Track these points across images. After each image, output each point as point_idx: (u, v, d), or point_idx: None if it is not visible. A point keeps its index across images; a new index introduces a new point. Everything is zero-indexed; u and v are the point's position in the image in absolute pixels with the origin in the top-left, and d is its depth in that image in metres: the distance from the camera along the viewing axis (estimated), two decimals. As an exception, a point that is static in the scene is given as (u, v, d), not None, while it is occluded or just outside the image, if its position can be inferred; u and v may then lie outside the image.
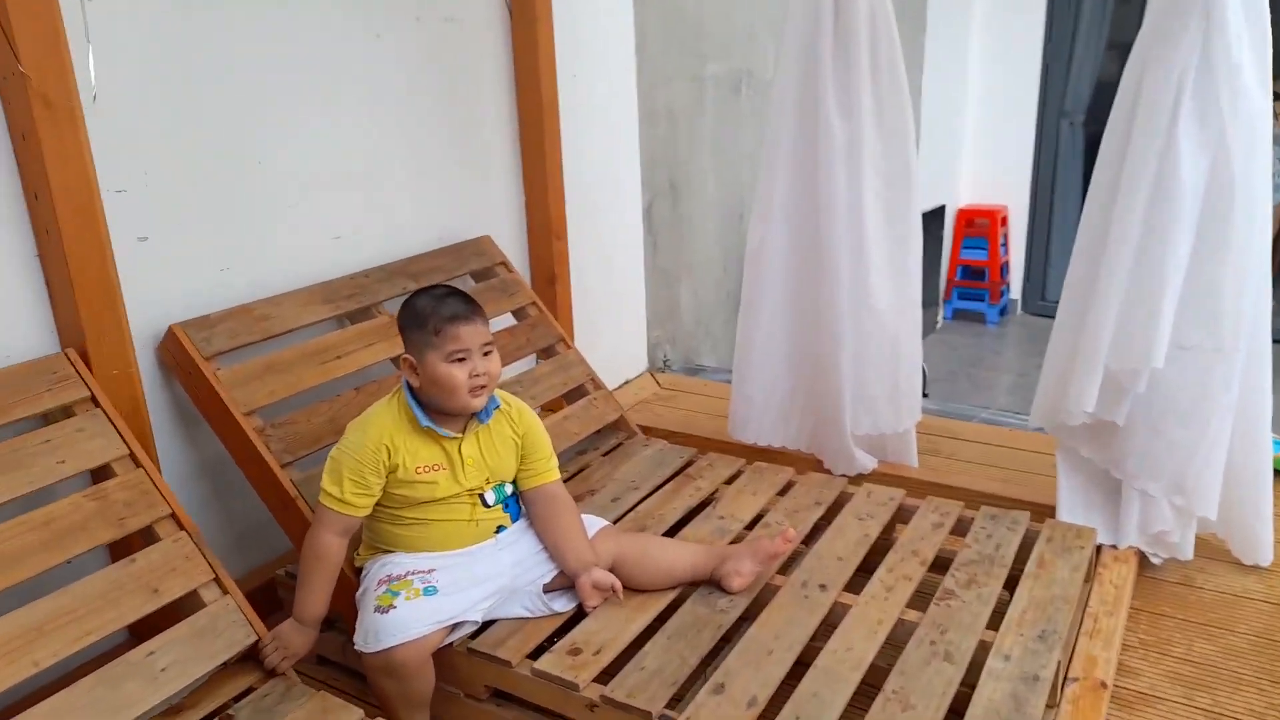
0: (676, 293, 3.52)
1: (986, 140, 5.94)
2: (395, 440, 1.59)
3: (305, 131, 2.04)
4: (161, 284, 1.80)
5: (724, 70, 3.64)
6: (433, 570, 1.58)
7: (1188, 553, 1.97)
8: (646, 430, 2.54)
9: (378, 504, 1.61)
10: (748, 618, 1.64)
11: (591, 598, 1.63)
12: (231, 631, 1.48)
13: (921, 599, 1.68)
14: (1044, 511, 2.06)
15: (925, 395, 4.63)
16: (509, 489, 1.72)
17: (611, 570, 1.67)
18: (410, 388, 1.61)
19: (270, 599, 1.88)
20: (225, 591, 1.52)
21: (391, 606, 1.49)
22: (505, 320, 2.43)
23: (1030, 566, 1.75)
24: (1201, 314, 1.80)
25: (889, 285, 2.20)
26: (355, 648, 1.52)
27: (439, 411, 1.61)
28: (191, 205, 1.84)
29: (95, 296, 1.59)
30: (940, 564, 1.81)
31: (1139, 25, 1.84)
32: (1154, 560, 1.99)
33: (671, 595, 1.69)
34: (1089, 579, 1.82)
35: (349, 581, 1.66)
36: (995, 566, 1.74)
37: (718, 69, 3.60)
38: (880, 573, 1.73)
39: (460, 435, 1.63)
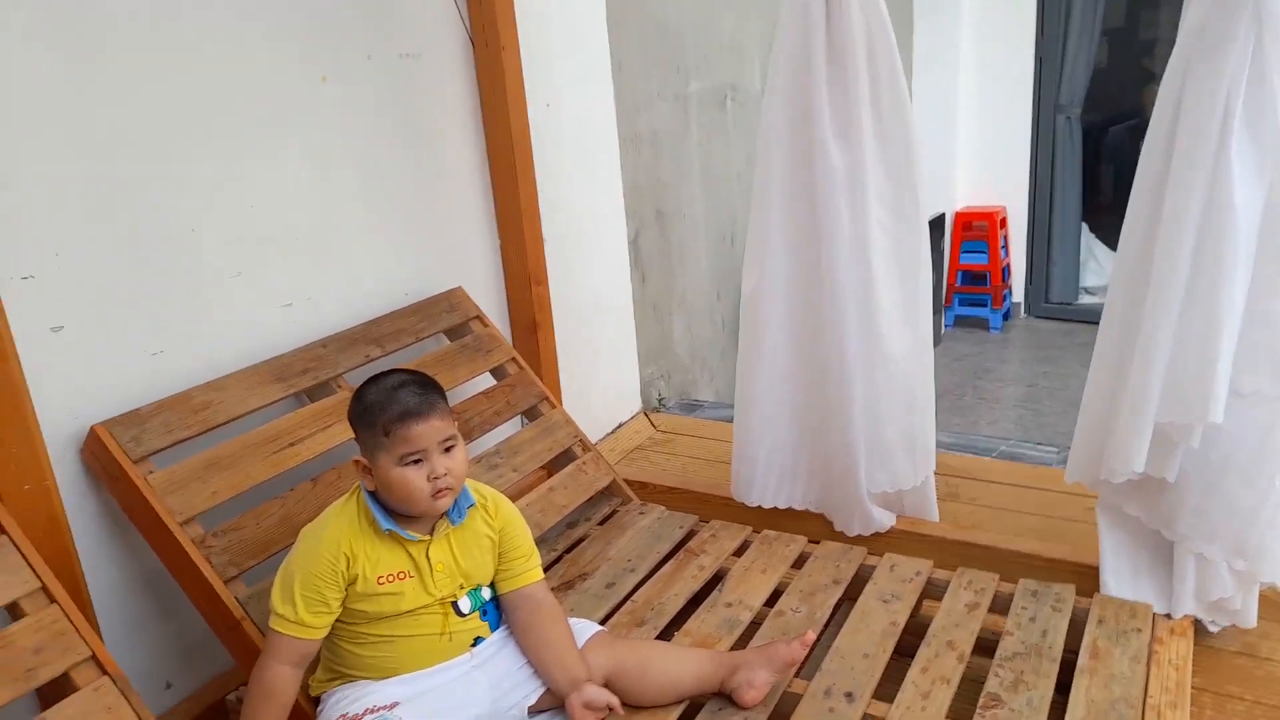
0: (669, 327, 3.31)
1: (981, 140, 5.74)
2: (354, 547, 1.38)
3: (245, 191, 1.82)
4: (82, 378, 1.58)
5: (708, 86, 3.43)
6: (395, 705, 1.36)
7: (1251, 620, 1.76)
8: (643, 488, 2.33)
9: (336, 621, 1.40)
10: (766, 737, 1.43)
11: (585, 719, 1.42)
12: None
13: (963, 705, 1.47)
14: (1088, 573, 1.85)
15: (933, 414, 4.47)
16: (486, 594, 1.51)
17: (607, 685, 1.46)
18: (367, 489, 1.41)
19: (223, 722, 1.67)
20: (157, 748, 1.30)
21: None
22: (484, 381, 2.21)
23: (1083, 659, 1.54)
24: (1261, 358, 1.60)
25: (901, 328, 1.99)
26: None
27: (400, 515, 1.41)
28: (114, 285, 1.62)
29: (-4, 405, 1.38)
30: (980, 653, 1.60)
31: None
32: (1212, 629, 1.78)
33: (679, 711, 1.48)
34: (1147, 661, 1.61)
35: (304, 714, 1.45)
36: (1044, 660, 1.53)
37: (701, 86, 3.39)
38: (913, 674, 1.52)
39: (428, 538, 1.43)
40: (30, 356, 1.48)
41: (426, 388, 1.41)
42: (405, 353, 2.06)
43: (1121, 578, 1.82)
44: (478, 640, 1.48)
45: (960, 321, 5.93)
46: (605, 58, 2.86)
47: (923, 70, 5.21)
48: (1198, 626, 1.76)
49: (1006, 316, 5.92)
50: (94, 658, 1.33)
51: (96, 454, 1.55)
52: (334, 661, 1.46)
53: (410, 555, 1.42)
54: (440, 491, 1.38)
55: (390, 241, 2.16)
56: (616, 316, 3.03)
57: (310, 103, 1.94)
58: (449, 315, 2.19)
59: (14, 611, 1.32)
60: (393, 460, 1.35)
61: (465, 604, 1.47)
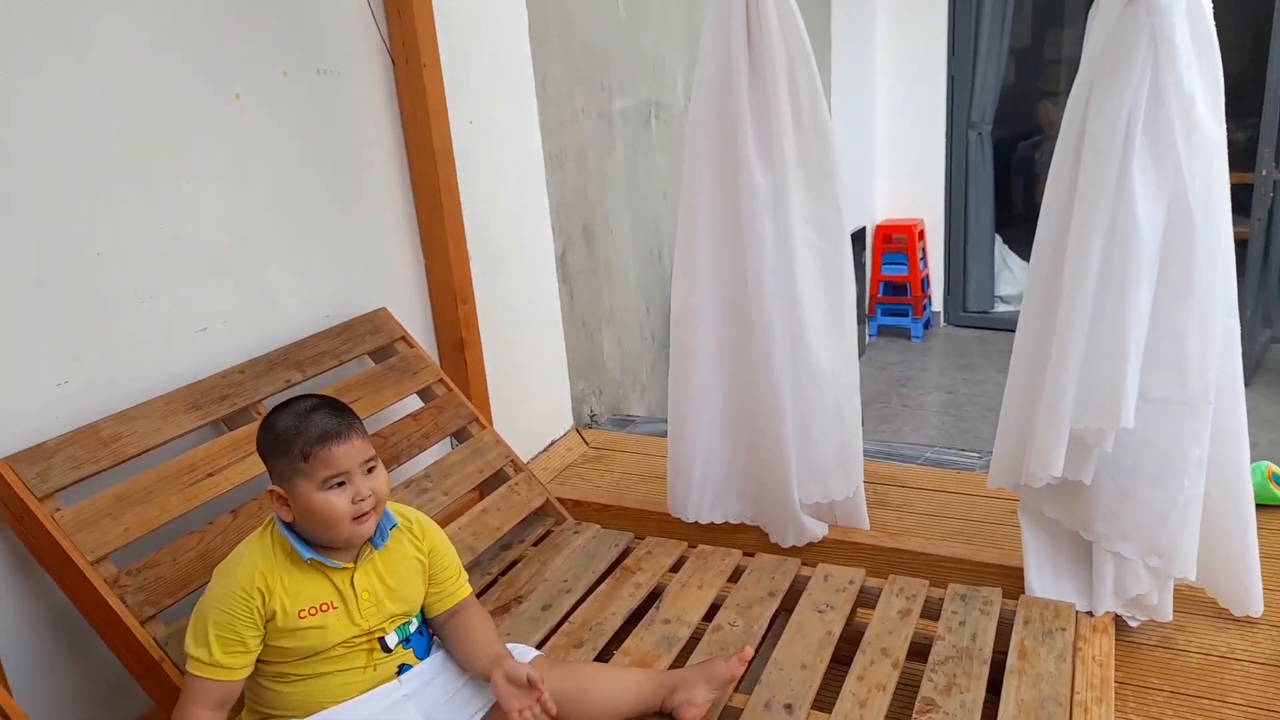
0: (599, 342, 3.30)
1: (899, 156, 5.91)
2: (269, 581, 1.32)
3: (155, 211, 1.76)
4: (-19, 411, 1.50)
5: (632, 104, 3.45)
6: None
7: (1167, 614, 1.83)
8: (577, 506, 2.31)
9: (259, 660, 1.34)
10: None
11: (512, 700, 1.36)
12: None
13: (900, 710, 1.49)
14: (1014, 575, 1.90)
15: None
16: (414, 624, 1.47)
17: None
18: (283, 520, 1.36)
19: (144, 770, 1.60)
20: (69, 802, 1.23)
21: None
22: (411, 403, 2.17)
23: (1012, 659, 1.58)
24: (1167, 365, 1.66)
25: (828, 344, 2.02)
26: None
27: (321, 544, 1.36)
28: (13, 314, 1.54)
29: (-116, 445, 1.30)
30: (914, 659, 1.63)
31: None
32: (1131, 624, 1.85)
33: (620, 734, 1.46)
34: (1072, 658, 1.65)
35: (231, 758, 1.38)
36: (975, 663, 1.57)
37: (625, 103, 3.40)
38: (850, 683, 1.53)
39: (352, 565, 1.38)
40: (-78, 391, 1.40)
41: (341, 410, 1.37)
42: (327, 376, 2.01)
43: (1045, 578, 1.87)
44: (403, 668, 1.44)
45: (883, 331, 6.06)
46: (529, 74, 2.85)
47: (841, 88, 5.33)
48: (1118, 622, 1.82)
49: (927, 325, 6.07)
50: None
51: (-2, 492, 1.47)
52: (256, 702, 1.40)
53: (335, 585, 1.37)
54: (363, 515, 1.34)
55: (310, 262, 2.10)
56: (546, 333, 3.01)
57: (223, 121, 1.88)
58: (373, 336, 2.14)
59: (-93, 665, 1.24)
60: (314, 485, 1.31)
61: (392, 639, 1.43)
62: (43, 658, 1.60)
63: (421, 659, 1.46)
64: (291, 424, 1.33)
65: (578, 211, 3.14)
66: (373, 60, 2.24)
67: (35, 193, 1.56)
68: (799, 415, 2.03)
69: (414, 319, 2.39)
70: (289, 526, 1.35)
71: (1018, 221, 6.20)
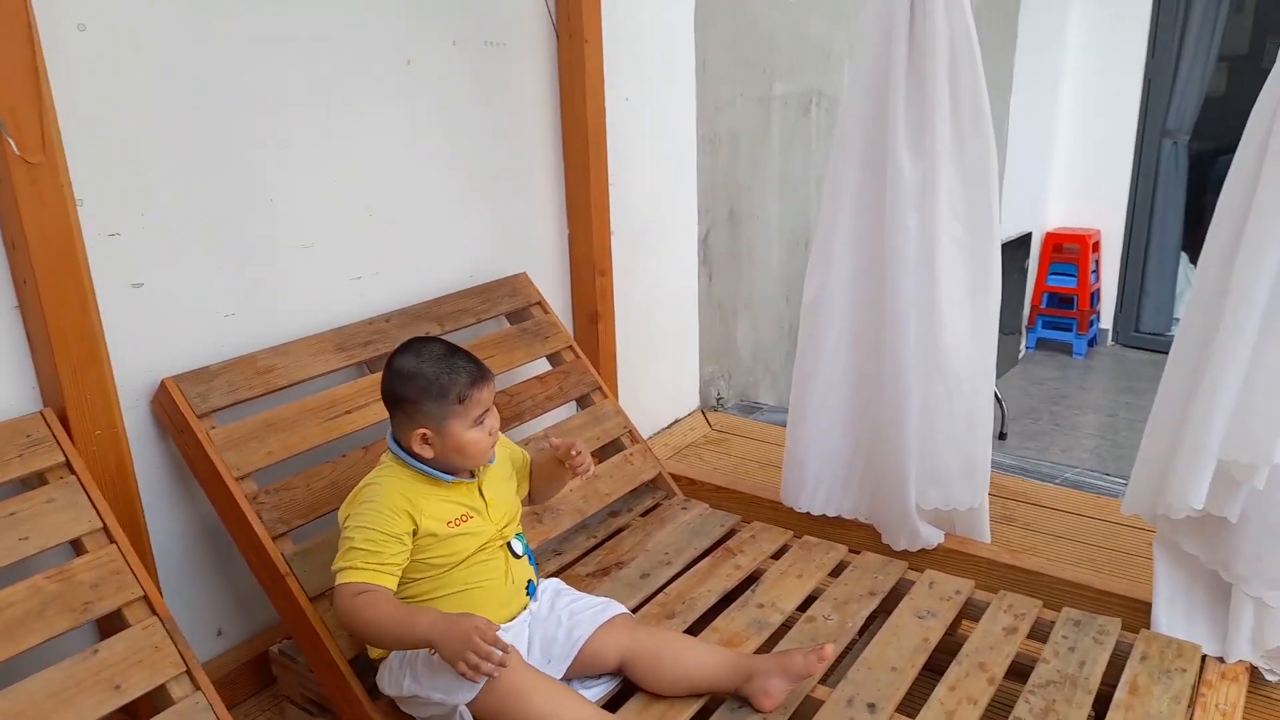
0: (733, 327, 3.30)
1: (1080, 160, 5.55)
2: (416, 505, 1.44)
3: (325, 165, 1.90)
4: (158, 333, 1.67)
5: (793, 90, 3.41)
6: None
7: (1312, 673, 1.68)
8: (691, 484, 2.33)
9: (410, 586, 1.45)
10: (783, 740, 1.43)
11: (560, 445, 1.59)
12: (200, 733, 1.33)
13: (988, 728, 1.44)
14: (1139, 609, 1.79)
15: (1003, 436, 4.35)
16: (524, 537, 1.61)
17: (620, 670, 1.50)
18: (414, 457, 1.45)
19: (264, 672, 1.74)
20: (197, 687, 1.37)
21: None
22: (540, 366, 2.25)
23: (1120, 693, 1.49)
24: (1337, 399, 1.52)
25: (966, 347, 1.95)
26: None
27: (449, 470, 1.49)
28: (194, 247, 1.71)
29: (75, 352, 1.47)
30: (1013, 678, 1.56)
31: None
32: (1269, 677, 1.70)
33: (697, 706, 1.48)
34: (1192, 703, 1.55)
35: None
36: (1078, 691, 1.49)
37: (786, 89, 3.37)
38: (940, 691, 1.49)
39: (479, 477, 1.53)
40: (111, 310, 1.57)
41: (468, 353, 1.50)
42: (464, 333, 2.11)
43: (1175, 615, 1.75)
44: (530, 587, 1.55)
45: (1042, 345, 5.75)
46: (690, 56, 2.87)
47: (1023, 85, 5.06)
48: (1253, 673, 1.69)
49: (1092, 343, 5.72)
50: (145, 598, 1.40)
51: (165, 406, 1.63)
52: None
53: (469, 498, 1.50)
54: (492, 444, 1.51)
55: (461, 224, 2.21)
56: (681, 313, 3.04)
57: (393, 86, 2.00)
58: (510, 299, 2.23)
59: (77, 548, 1.40)
60: (466, 424, 1.44)
61: (517, 546, 1.55)
62: (191, 563, 1.77)
63: (536, 577, 1.60)
64: (441, 371, 1.43)
65: (725, 195, 3.14)
66: (537, 33, 2.32)
67: (223, 141, 1.72)
68: (926, 420, 1.97)
69: (553, 287, 2.47)
70: (420, 460, 1.45)
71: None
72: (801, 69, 3.43)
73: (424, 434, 1.43)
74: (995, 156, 1.89)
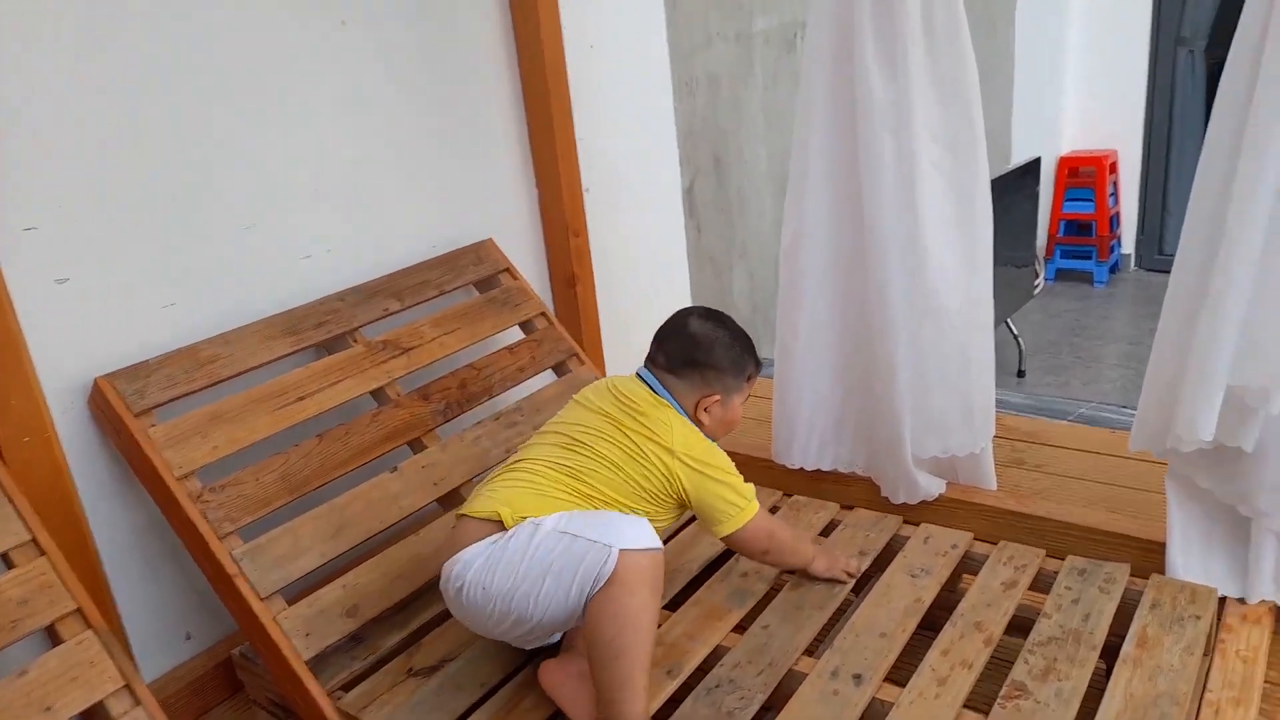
0: (728, 281, 3.18)
1: (1091, 77, 5.30)
2: None
3: (261, 140, 1.79)
4: (91, 330, 1.58)
5: (774, 24, 3.24)
6: None
7: (1342, 609, 1.56)
8: (682, 447, 2.23)
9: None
10: (761, 717, 1.33)
11: None
12: (145, 749, 1.26)
13: (984, 693, 1.33)
14: (1153, 551, 1.66)
15: (1021, 373, 4.20)
16: None
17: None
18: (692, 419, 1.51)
19: (235, 675, 1.68)
20: (137, 701, 1.30)
21: None
22: (513, 335, 2.15)
23: (1128, 647, 1.37)
24: (1358, 313, 1.38)
25: (955, 281, 1.81)
26: None
27: None
28: (123, 236, 1.61)
29: (-10, 357, 1.39)
30: (1015, 634, 1.46)
31: None
32: (1295, 617, 1.58)
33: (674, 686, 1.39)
34: (1208, 650, 1.43)
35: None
36: (1082, 648, 1.38)
37: (767, 24, 3.21)
38: (932, 657, 1.39)
39: None
40: (33, 309, 1.49)
41: None
42: (427, 306, 2.01)
43: (1190, 556, 1.62)
44: None
45: (1062, 275, 5.56)
46: (658, -6, 2.72)
47: (1028, 1, 4.83)
48: (1278, 615, 1.57)
49: (1114, 269, 5.52)
50: (79, 611, 1.33)
51: (100, 406, 1.55)
52: None
53: None
54: None
55: (417, 191, 2.10)
56: (669, 269, 2.92)
57: (329, 50, 1.89)
58: (476, 268, 2.12)
59: (6, 562, 1.33)
60: (742, 399, 1.56)
61: None
62: (147, 567, 1.70)
63: None
64: (746, 346, 1.54)
65: (708, 141, 3.00)
66: (484, -20, 2.18)
67: (147, 119, 1.62)
68: (917, 364, 1.84)
69: (525, 252, 2.36)
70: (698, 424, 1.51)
71: (1232, 153, 5.47)
72: (783, 1, 3.26)
73: (716, 399, 1.50)
74: (974, 69, 1.74)
